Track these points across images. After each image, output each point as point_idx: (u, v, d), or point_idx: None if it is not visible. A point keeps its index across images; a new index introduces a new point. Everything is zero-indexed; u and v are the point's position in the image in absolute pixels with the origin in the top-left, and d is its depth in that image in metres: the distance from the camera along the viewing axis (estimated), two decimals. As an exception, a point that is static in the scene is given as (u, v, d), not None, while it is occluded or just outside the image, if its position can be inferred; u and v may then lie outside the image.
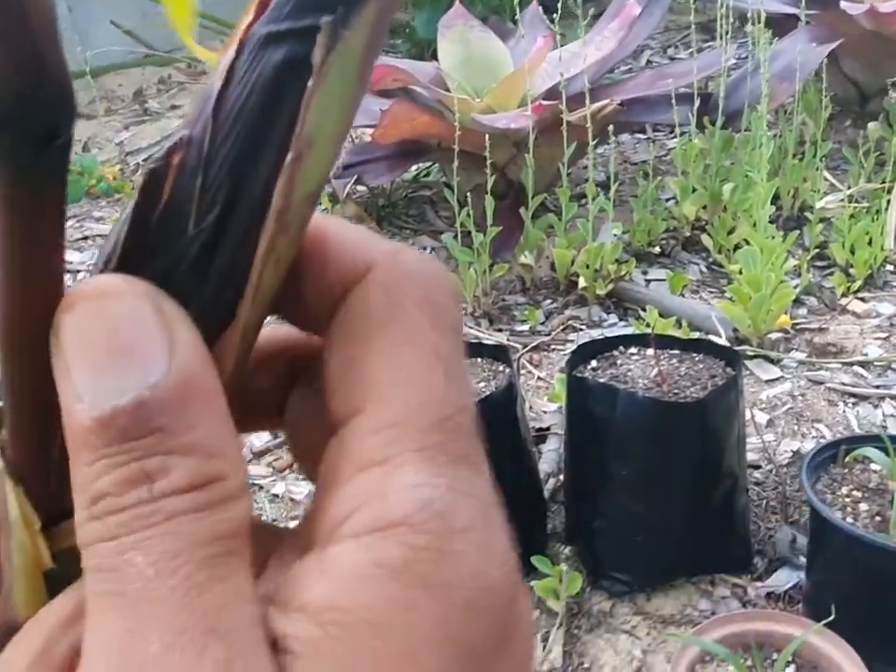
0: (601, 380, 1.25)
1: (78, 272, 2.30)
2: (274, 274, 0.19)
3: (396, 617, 0.17)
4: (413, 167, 2.41)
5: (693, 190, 2.05)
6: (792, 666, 1.05)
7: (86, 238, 2.46)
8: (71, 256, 2.38)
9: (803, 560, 1.23)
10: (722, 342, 1.64)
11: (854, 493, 1.13)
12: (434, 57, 2.40)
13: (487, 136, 1.77)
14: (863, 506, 1.11)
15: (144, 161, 2.90)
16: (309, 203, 0.19)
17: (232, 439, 0.18)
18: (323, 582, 0.18)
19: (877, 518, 1.09)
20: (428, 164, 2.45)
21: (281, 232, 0.19)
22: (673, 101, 1.99)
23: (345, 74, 0.18)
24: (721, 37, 2.12)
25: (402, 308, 0.20)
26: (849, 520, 1.09)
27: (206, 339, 0.19)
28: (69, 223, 2.56)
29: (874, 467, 1.16)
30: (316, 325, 0.21)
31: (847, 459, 1.17)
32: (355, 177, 2.23)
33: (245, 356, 0.20)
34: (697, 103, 2.03)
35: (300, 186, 0.18)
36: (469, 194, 1.82)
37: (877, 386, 1.63)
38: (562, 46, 2.11)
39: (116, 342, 0.18)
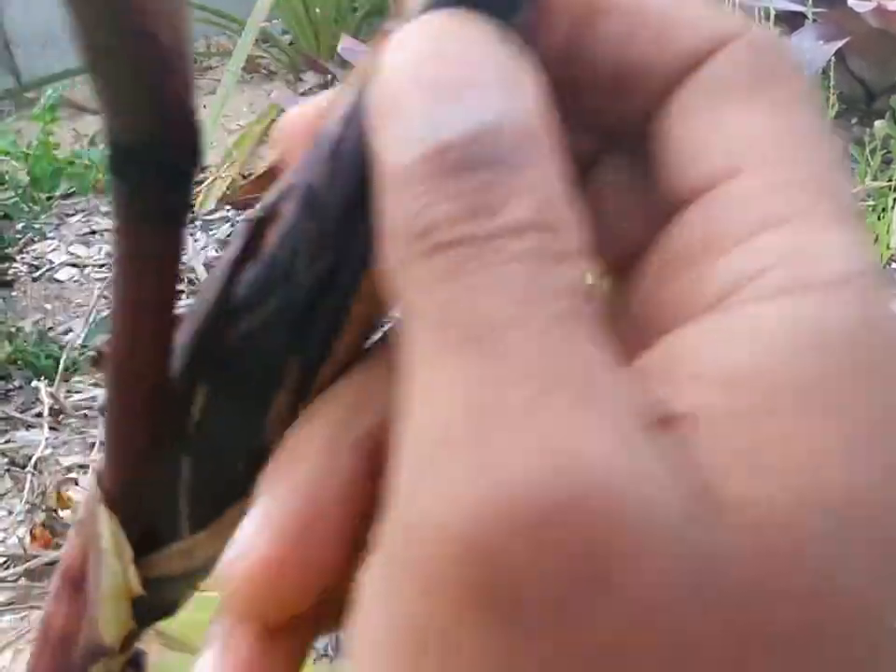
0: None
1: (86, 266, 2.31)
2: (369, 311, 0.19)
3: (839, 393, 0.14)
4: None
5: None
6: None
7: (93, 232, 2.47)
8: (78, 250, 2.39)
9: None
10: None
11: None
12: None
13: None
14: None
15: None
16: None
17: (576, 198, 0.15)
18: (732, 349, 0.14)
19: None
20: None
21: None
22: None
23: None
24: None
25: (784, 72, 0.17)
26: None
27: (308, 381, 0.19)
28: (76, 217, 2.57)
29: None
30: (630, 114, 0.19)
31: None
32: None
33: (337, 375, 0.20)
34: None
35: None
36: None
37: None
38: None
39: (455, 73, 0.15)
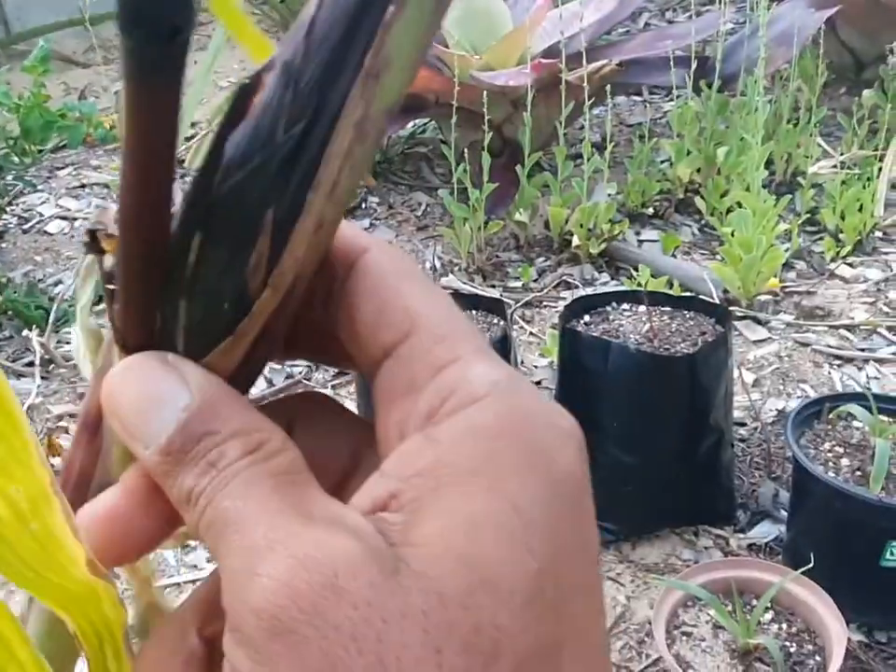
0: (594, 333, 1.28)
1: (76, 219, 2.31)
2: (349, 180, 0.22)
3: (493, 461, 0.22)
4: (410, 124, 2.42)
5: (688, 153, 2.07)
6: (771, 612, 1.09)
7: (83, 186, 2.47)
8: (68, 203, 2.39)
9: (784, 514, 1.26)
10: (715, 301, 1.67)
11: (836, 448, 1.17)
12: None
13: (485, 93, 1.78)
14: (845, 461, 1.15)
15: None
16: (385, 117, 0.22)
17: (261, 418, 0.23)
18: (432, 450, 0.22)
19: (857, 472, 1.13)
20: (425, 121, 2.46)
21: (358, 140, 0.21)
22: (671, 63, 2.01)
23: (423, 5, 0.21)
24: (720, 0, 2.13)
25: (407, 265, 0.26)
26: (831, 474, 1.12)
27: (284, 231, 0.22)
28: (66, 171, 2.56)
29: (856, 424, 1.20)
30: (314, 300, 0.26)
31: (830, 416, 1.21)
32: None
33: (319, 248, 0.23)
34: (694, 65, 2.04)
35: (378, 101, 0.21)
36: (465, 151, 1.84)
37: (862, 349, 1.66)
38: (562, 4, 2.12)
39: (147, 398, 0.23)
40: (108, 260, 0.24)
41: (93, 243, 0.24)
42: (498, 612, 0.20)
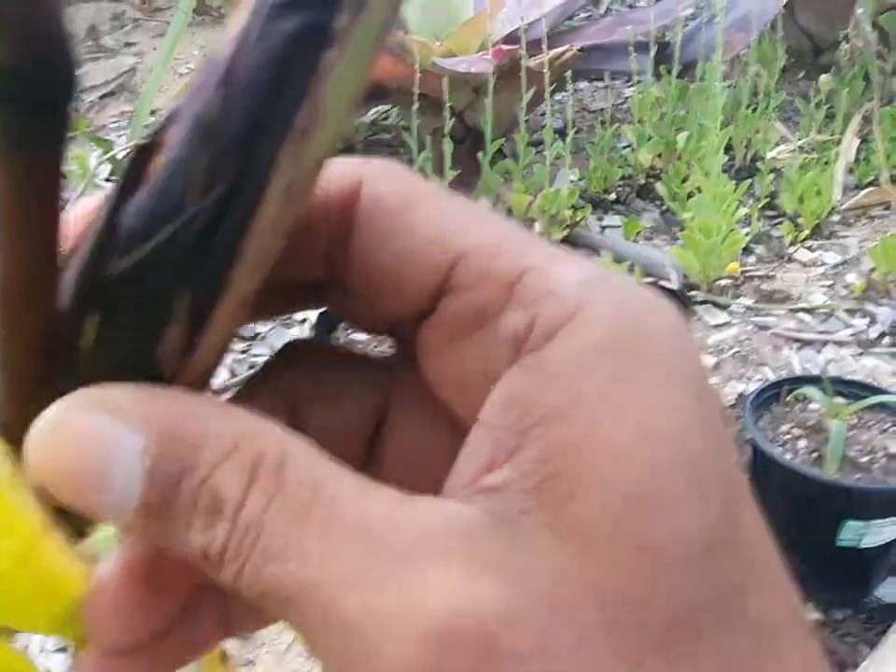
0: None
1: None
2: (274, 242, 0.19)
3: (632, 385, 0.18)
4: (372, 111, 2.41)
5: (649, 139, 2.08)
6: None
7: None
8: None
9: (744, 495, 1.28)
10: (673, 286, 1.68)
11: (794, 430, 1.19)
12: None
13: (446, 80, 1.78)
14: (802, 442, 1.16)
15: (100, 98, 2.87)
16: (318, 168, 0.19)
17: (241, 418, 0.19)
18: (550, 385, 0.18)
19: (814, 454, 1.14)
20: (387, 108, 2.45)
21: (287, 203, 0.18)
22: (631, 49, 2.02)
23: (366, 41, 0.18)
24: (680, -14, 2.14)
25: (414, 185, 0.21)
26: (788, 455, 1.14)
27: (205, 307, 0.19)
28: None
29: (813, 406, 1.22)
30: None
31: (788, 399, 1.23)
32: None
33: (245, 312, 0.20)
34: (654, 51, 2.05)
35: (310, 156, 0.18)
36: (427, 138, 1.83)
37: (821, 332, 1.68)
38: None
39: (90, 459, 0.18)
40: None
41: None
42: (689, 589, 0.17)
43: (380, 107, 2.43)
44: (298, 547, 0.17)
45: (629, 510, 0.17)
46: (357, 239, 0.21)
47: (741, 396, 1.51)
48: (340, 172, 0.21)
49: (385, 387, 0.23)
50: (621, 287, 0.19)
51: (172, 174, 0.18)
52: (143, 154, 0.18)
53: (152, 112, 2.55)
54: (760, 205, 1.98)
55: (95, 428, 0.18)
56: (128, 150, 0.19)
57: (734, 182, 1.81)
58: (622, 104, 2.51)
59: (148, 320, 0.19)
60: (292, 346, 0.24)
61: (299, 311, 0.25)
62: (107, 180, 2.34)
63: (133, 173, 0.18)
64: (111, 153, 2.33)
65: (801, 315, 1.73)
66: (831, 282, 1.83)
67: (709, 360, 1.61)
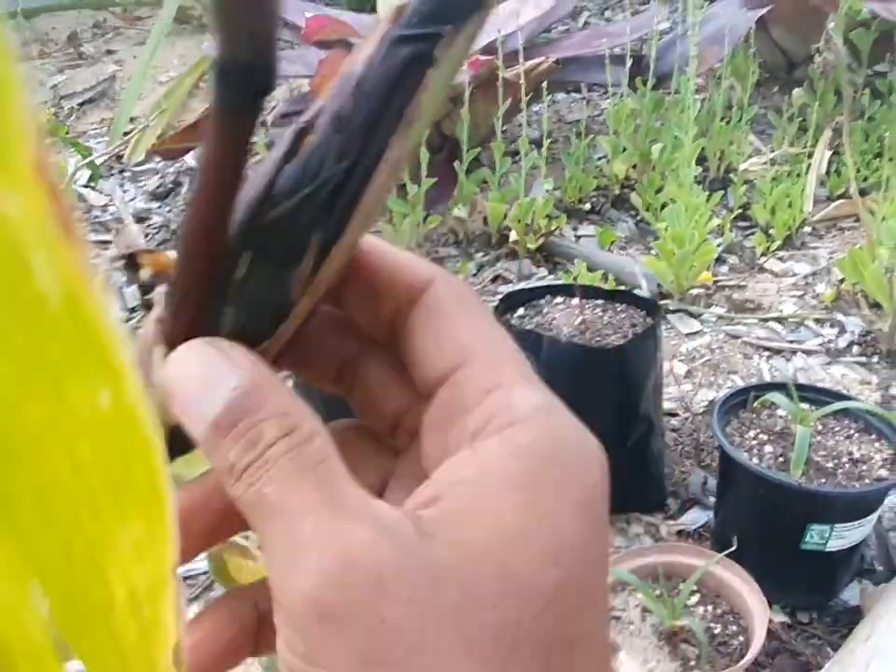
0: (527, 327, 1.30)
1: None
2: (378, 204, 0.27)
3: (531, 478, 0.25)
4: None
5: (624, 150, 2.11)
6: (698, 595, 1.12)
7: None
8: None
9: (713, 501, 1.30)
10: (646, 295, 1.70)
11: (760, 436, 1.20)
12: (374, 10, 2.41)
13: (424, 90, 1.80)
14: (768, 448, 1.18)
15: (80, 104, 2.87)
16: (410, 152, 0.27)
17: (297, 402, 0.26)
18: (477, 463, 0.25)
19: (780, 459, 1.16)
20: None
21: (392, 174, 0.26)
22: (607, 61, 2.04)
23: (452, 65, 0.26)
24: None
25: (467, 299, 0.29)
26: (755, 460, 1.16)
27: (325, 250, 0.26)
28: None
29: (780, 412, 1.24)
30: (379, 324, 0.30)
31: (755, 405, 1.25)
32: (292, 127, 2.24)
33: (348, 260, 0.28)
34: (630, 64, 2.08)
35: (409, 142, 0.26)
36: (405, 147, 1.85)
37: (791, 341, 1.71)
38: (501, 3, 2.14)
39: (202, 379, 0.26)
40: (145, 273, 0.29)
41: (130, 261, 0.29)
42: (523, 615, 0.23)
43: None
44: (291, 483, 0.24)
45: (499, 548, 0.24)
46: (415, 316, 0.28)
47: (712, 403, 1.53)
48: (419, 266, 0.29)
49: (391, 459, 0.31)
50: (561, 417, 0.26)
51: (315, 150, 0.26)
52: (299, 135, 0.26)
53: (131, 119, 2.56)
54: (732, 216, 2.00)
55: (211, 360, 0.26)
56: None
57: (707, 193, 1.83)
58: (597, 115, 2.54)
59: (288, 253, 0.26)
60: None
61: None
62: (86, 186, 2.34)
63: (292, 149, 0.26)
64: (90, 158, 2.33)
65: (771, 324, 1.76)
66: (801, 292, 1.86)
67: (681, 368, 1.63)
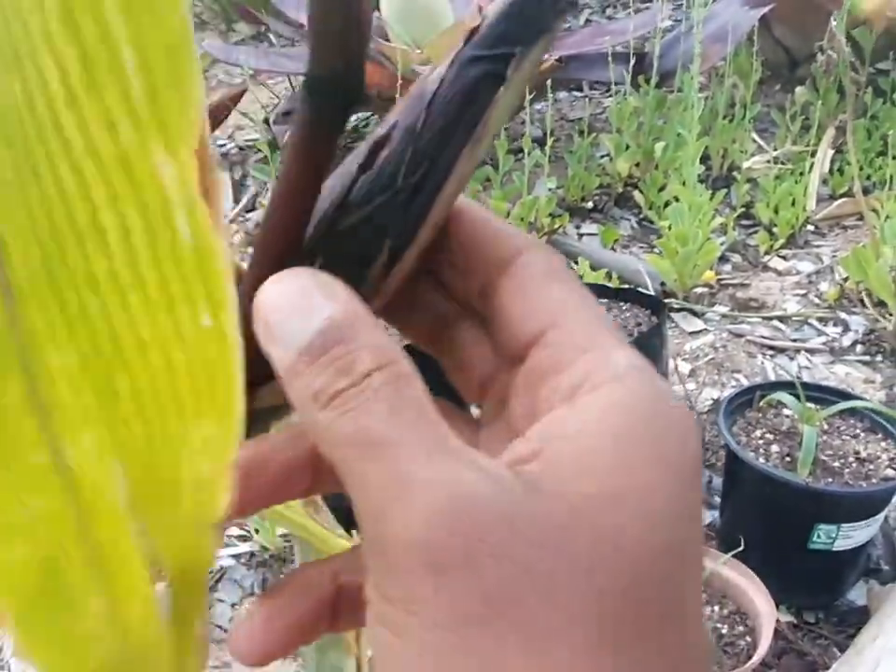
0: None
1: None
2: (446, 212, 0.28)
3: (631, 435, 0.24)
4: (353, 118, 2.42)
5: (627, 148, 2.11)
6: (703, 595, 1.12)
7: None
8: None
9: (718, 500, 1.30)
10: (649, 293, 1.70)
11: (767, 435, 1.20)
12: (376, 7, 2.40)
13: (427, 88, 1.79)
14: (775, 447, 1.18)
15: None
16: (476, 166, 0.28)
17: (394, 343, 0.25)
18: (577, 418, 0.25)
19: (787, 458, 1.16)
20: (368, 115, 2.46)
21: (459, 187, 0.27)
22: (609, 59, 2.04)
23: (520, 84, 0.27)
24: (658, -2, 2.17)
25: (558, 268, 0.28)
26: (761, 460, 1.15)
27: (400, 250, 0.27)
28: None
29: (786, 411, 1.23)
30: (471, 291, 0.30)
31: (761, 404, 1.24)
32: (294, 125, 2.24)
33: (418, 259, 0.28)
34: (633, 62, 2.07)
35: (476, 157, 0.27)
36: (407, 145, 1.84)
37: (794, 340, 1.71)
38: None
39: (295, 305, 0.25)
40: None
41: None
42: (639, 571, 0.23)
43: (360, 114, 2.44)
44: (393, 417, 0.23)
45: (599, 512, 0.23)
46: (506, 282, 0.28)
47: (716, 402, 1.53)
48: (511, 234, 0.29)
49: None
50: (658, 379, 0.26)
51: (388, 162, 0.27)
52: (374, 149, 0.27)
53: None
54: (735, 215, 2.00)
55: (305, 288, 0.25)
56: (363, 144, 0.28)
57: (710, 191, 1.83)
58: (600, 113, 2.54)
59: (361, 257, 0.27)
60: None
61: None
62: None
63: (367, 161, 0.27)
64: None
65: (775, 322, 1.76)
66: (804, 291, 1.86)
67: (685, 367, 1.63)
